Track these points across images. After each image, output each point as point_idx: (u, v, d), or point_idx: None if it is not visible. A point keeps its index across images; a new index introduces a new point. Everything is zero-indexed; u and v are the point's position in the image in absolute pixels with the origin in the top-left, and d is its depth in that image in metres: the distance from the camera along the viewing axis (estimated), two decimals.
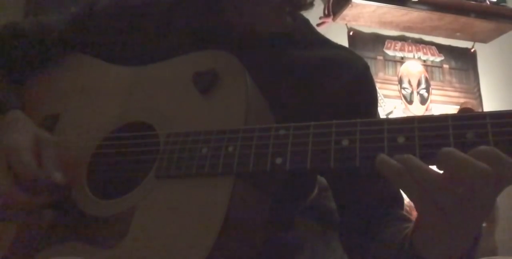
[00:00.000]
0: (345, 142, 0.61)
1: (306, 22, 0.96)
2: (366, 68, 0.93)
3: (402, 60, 3.17)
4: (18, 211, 0.71)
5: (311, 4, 0.93)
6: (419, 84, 3.16)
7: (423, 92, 3.15)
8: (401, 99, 3.09)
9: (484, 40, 3.29)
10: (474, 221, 0.55)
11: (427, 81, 3.18)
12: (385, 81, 3.08)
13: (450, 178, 0.51)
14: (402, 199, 0.88)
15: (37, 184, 0.70)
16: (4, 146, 0.72)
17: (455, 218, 0.53)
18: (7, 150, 0.71)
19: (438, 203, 0.52)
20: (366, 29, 3.14)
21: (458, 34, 3.20)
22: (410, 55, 3.20)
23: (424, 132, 0.57)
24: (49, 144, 0.74)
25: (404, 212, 0.86)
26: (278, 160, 0.63)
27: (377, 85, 2.96)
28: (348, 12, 2.91)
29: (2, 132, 0.75)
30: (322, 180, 0.95)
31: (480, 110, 3.06)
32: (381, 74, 3.08)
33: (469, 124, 0.56)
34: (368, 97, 0.92)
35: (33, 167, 0.70)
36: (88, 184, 0.76)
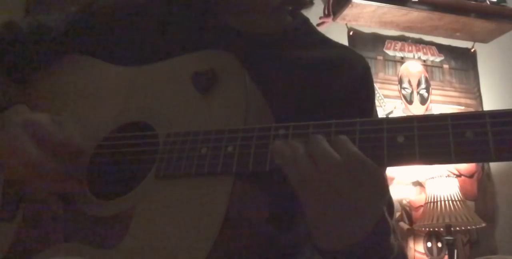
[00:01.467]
0: None
1: (306, 21, 0.96)
2: (367, 68, 0.93)
3: (402, 60, 3.17)
4: (48, 178, 0.71)
5: (311, 3, 0.93)
6: (419, 84, 3.16)
7: (423, 92, 3.15)
8: (401, 99, 3.09)
9: (484, 40, 3.29)
10: (346, 211, 0.59)
11: (427, 81, 3.18)
12: (385, 81, 3.08)
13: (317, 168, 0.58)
14: (393, 207, 0.88)
15: (64, 151, 0.72)
16: (24, 121, 0.73)
17: (327, 206, 0.59)
18: (29, 124, 0.72)
19: (313, 192, 0.59)
20: (366, 29, 3.15)
21: (458, 34, 3.20)
22: (410, 55, 3.21)
23: (424, 131, 0.57)
24: (64, 118, 0.76)
25: (393, 223, 0.86)
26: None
27: (377, 85, 2.98)
28: (348, 12, 2.91)
29: (15, 114, 0.77)
30: None
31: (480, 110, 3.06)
32: (381, 74, 3.08)
33: (468, 123, 0.56)
34: (367, 97, 0.92)
35: (58, 135, 0.72)
36: (87, 184, 0.76)
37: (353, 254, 0.63)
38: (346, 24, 3.07)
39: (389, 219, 0.65)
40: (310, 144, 0.59)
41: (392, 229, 0.68)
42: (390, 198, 0.89)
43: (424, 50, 3.24)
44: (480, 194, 2.99)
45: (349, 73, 0.89)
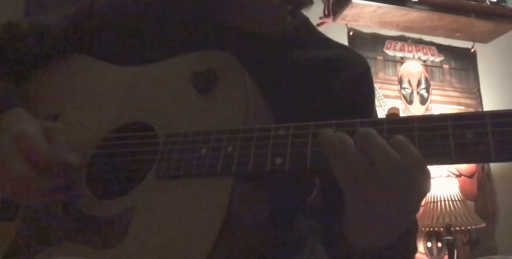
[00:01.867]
0: None
1: (306, 21, 0.96)
2: (367, 68, 0.93)
3: (402, 60, 3.17)
4: (34, 193, 0.71)
5: (310, 2, 0.92)
6: (419, 84, 3.16)
7: (423, 92, 3.15)
8: (401, 99, 3.09)
9: (484, 40, 3.29)
10: (392, 211, 0.58)
11: (427, 81, 3.18)
12: (385, 81, 3.08)
13: (372, 165, 0.55)
14: None
15: (51, 167, 0.71)
16: (14, 134, 0.72)
17: (374, 205, 0.57)
18: (18, 137, 0.72)
19: (362, 189, 0.57)
20: (366, 29, 3.15)
21: (458, 34, 3.20)
22: (410, 55, 3.21)
23: (424, 132, 0.57)
24: (58, 129, 0.75)
25: None
26: (278, 160, 0.63)
27: (377, 85, 2.97)
28: (348, 12, 2.91)
29: (8, 124, 0.76)
30: None
31: (480, 110, 3.06)
32: (381, 74, 3.08)
33: (468, 124, 0.56)
34: (367, 97, 0.92)
35: (47, 150, 0.71)
36: (87, 184, 0.76)
37: (385, 252, 0.63)
38: (346, 24, 3.07)
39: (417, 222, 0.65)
40: (364, 138, 0.56)
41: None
42: None
43: (424, 50, 3.24)
44: (480, 194, 2.99)
45: (349, 73, 0.89)
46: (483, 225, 2.63)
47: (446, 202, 2.58)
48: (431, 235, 2.83)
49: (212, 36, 0.87)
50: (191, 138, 0.69)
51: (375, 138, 0.56)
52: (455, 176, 2.89)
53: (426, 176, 0.56)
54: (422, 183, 0.56)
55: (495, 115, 0.55)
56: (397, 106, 3.04)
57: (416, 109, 3.08)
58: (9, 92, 0.85)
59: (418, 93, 3.14)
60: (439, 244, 2.82)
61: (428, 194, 2.66)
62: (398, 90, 3.10)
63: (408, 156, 0.55)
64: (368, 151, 0.56)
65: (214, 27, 0.88)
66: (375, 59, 3.10)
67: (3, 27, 0.93)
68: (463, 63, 3.28)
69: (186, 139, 0.69)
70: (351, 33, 3.09)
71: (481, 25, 3.11)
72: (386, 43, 3.17)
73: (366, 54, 2.97)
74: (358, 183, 0.57)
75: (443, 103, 3.14)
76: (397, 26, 3.12)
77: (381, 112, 2.93)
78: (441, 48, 3.27)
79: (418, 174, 0.55)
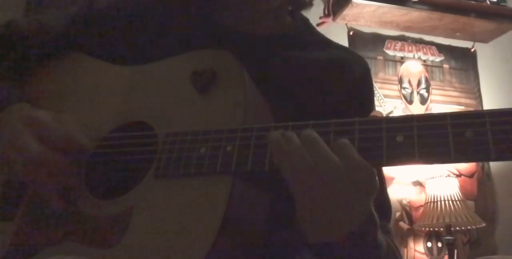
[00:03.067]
0: None
1: (306, 21, 0.96)
2: (366, 69, 0.93)
3: (402, 60, 3.18)
4: (50, 172, 0.72)
5: (310, 4, 0.92)
6: (419, 84, 3.16)
7: (423, 92, 3.15)
8: (401, 99, 3.09)
9: (484, 40, 3.29)
10: (336, 210, 0.60)
11: (427, 81, 3.18)
12: (385, 81, 3.08)
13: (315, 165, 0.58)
14: (389, 209, 0.88)
15: (66, 146, 0.73)
16: (26, 118, 0.74)
17: (319, 203, 0.60)
18: (31, 121, 0.74)
19: (306, 187, 0.60)
20: (366, 29, 3.15)
21: (458, 34, 3.20)
22: (410, 55, 3.21)
23: (423, 131, 0.57)
24: (66, 116, 0.77)
25: (387, 223, 0.85)
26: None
27: (377, 85, 2.98)
28: (348, 12, 2.91)
29: (16, 113, 0.78)
30: None
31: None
32: (381, 74, 3.08)
33: (468, 123, 0.56)
34: (367, 98, 0.92)
35: (60, 131, 0.73)
36: (86, 184, 0.76)
37: (338, 248, 0.63)
38: (346, 24, 3.07)
39: (375, 215, 0.65)
40: (307, 142, 0.59)
41: (379, 226, 0.68)
42: (387, 199, 0.89)
43: (424, 50, 3.24)
44: (480, 194, 2.99)
45: (348, 74, 0.88)
46: (483, 225, 2.63)
47: (446, 202, 2.58)
48: (431, 235, 2.83)
49: (212, 36, 0.87)
50: (190, 138, 0.69)
51: (316, 142, 0.59)
52: (455, 176, 2.89)
53: (369, 177, 0.59)
54: (364, 185, 0.59)
55: (494, 114, 0.55)
56: (397, 106, 3.04)
57: (416, 109, 3.08)
58: (10, 91, 0.85)
59: (418, 93, 3.14)
60: (439, 244, 2.82)
61: (428, 194, 2.67)
62: (398, 90, 3.10)
63: (348, 160, 0.58)
64: (311, 154, 0.59)
65: (214, 27, 0.88)
66: (375, 59, 3.10)
67: (3, 26, 0.93)
68: (463, 63, 3.28)
69: (185, 139, 0.69)
70: (351, 33, 3.09)
71: (481, 25, 3.11)
72: (386, 43, 3.17)
73: (366, 54, 2.97)
74: (303, 181, 0.60)
75: (443, 103, 3.14)
76: (397, 26, 3.12)
77: (382, 112, 2.93)
78: (441, 48, 3.27)
79: (358, 175, 0.58)
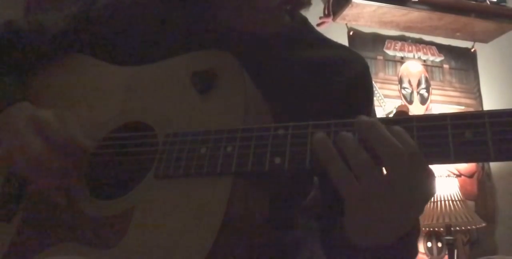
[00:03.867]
0: None
1: (305, 21, 0.96)
2: (366, 68, 0.93)
3: (402, 60, 3.17)
4: (50, 172, 0.72)
5: (309, 3, 0.92)
6: (419, 84, 3.16)
7: (423, 92, 3.15)
8: (401, 99, 3.09)
9: (484, 40, 3.29)
10: (393, 210, 0.57)
11: (427, 81, 3.18)
12: (385, 81, 3.08)
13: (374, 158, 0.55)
14: None
15: (67, 146, 0.72)
16: (28, 117, 0.74)
17: (376, 203, 0.57)
18: (33, 120, 0.73)
19: (364, 186, 0.56)
20: (366, 29, 3.14)
21: (458, 34, 3.20)
22: (410, 55, 3.21)
23: (423, 132, 0.57)
24: (67, 115, 0.76)
25: None
26: (277, 160, 0.63)
27: (377, 85, 2.97)
28: (348, 12, 2.91)
29: (18, 111, 0.78)
30: None
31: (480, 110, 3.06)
32: (381, 74, 3.08)
33: (468, 123, 0.56)
34: (366, 97, 0.92)
35: (62, 131, 0.72)
36: (87, 184, 0.76)
37: (384, 253, 0.62)
38: (346, 24, 3.07)
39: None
40: (368, 129, 0.56)
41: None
42: None
43: (424, 50, 3.24)
44: (480, 194, 2.99)
45: (348, 73, 0.89)
46: (483, 225, 2.63)
47: (446, 202, 2.58)
48: (431, 235, 2.83)
49: (211, 36, 0.87)
50: (191, 138, 0.69)
51: (381, 129, 0.56)
52: (455, 176, 2.89)
53: (429, 172, 0.56)
54: (425, 180, 0.56)
55: (494, 114, 0.55)
56: (397, 106, 3.04)
57: (416, 109, 3.08)
58: (10, 92, 0.85)
59: (418, 93, 3.14)
60: (439, 244, 2.82)
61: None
62: (398, 90, 3.10)
63: (408, 145, 0.55)
64: (374, 142, 0.56)
65: (213, 27, 0.88)
66: (375, 59, 3.09)
67: (3, 26, 0.93)
68: (463, 63, 3.28)
69: (186, 139, 0.69)
70: (351, 33, 3.09)
71: (481, 25, 3.11)
72: (386, 43, 3.17)
73: (366, 54, 2.97)
74: (360, 180, 0.56)
75: (443, 103, 3.14)
76: (397, 26, 3.12)
77: (381, 112, 2.93)
78: (441, 48, 3.27)
79: (421, 166, 0.55)
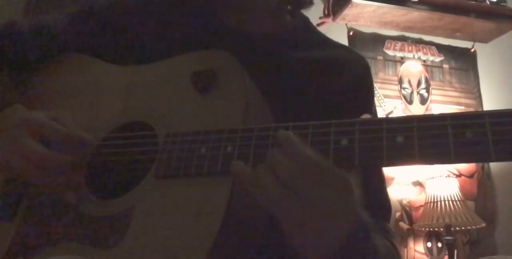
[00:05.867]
0: (344, 142, 0.60)
1: (306, 20, 0.96)
2: (366, 68, 0.93)
3: (402, 60, 3.17)
4: (51, 170, 0.72)
5: (310, 3, 0.92)
6: (419, 84, 3.16)
7: (423, 92, 3.15)
8: (401, 99, 3.09)
9: (484, 40, 3.29)
10: (314, 218, 0.57)
11: (427, 81, 3.18)
12: (385, 81, 3.08)
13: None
14: (389, 209, 0.88)
15: (67, 142, 0.72)
16: (20, 119, 0.73)
17: (296, 218, 0.57)
18: (26, 121, 0.73)
19: (280, 207, 0.57)
20: (366, 29, 3.15)
21: (458, 34, 3.20)
22: (410, 55, 3.21)
23: (423, 132, 0.57)
24: (64, 115, 0.76)
25: (387, 224, 0.85)
26: None
27: (377, 85, 2.97)
28: (348, 12, 2.91)
29: (12, 114, 0.77)
30: None
31: (480, 110, 3.06)
32: (381, 74, 3.08)
33: (468, 124, 0.56)
34: (367, 97, 0.92)
35: (57, 127, 0.72)
36: (87, 184, 0.76)
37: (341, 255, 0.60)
38: (346, 24, 3.07)
39: (366, 220, 0.63)
40: (269, 161, 0.59)
41: (374, 229, 0.65)
42: (387, 199, 0.89)
43: (424, 50, 3.24)
44: (480, 194, 2.99)
45: (349, 73, 0.89)
46: (483, 225, 2.63)
47: (446, 202, 2.58)
48: (431, 235, 2.83)
49: (212, 36, 0.87)
50: (191, 138, 0.69)
51: (276, 157, 0.58)
52: (455, 176, 2.89)
53: (328, 173, 0.57)
54: (328, 182, 0.57)
55: (494, 114, 0.55)
56: (397, 106, 3.04)
57: (416, 109, 3.08)
58: (8, 92, 0.85)
59: (418, 93, 3.14)
60: (439, 244, 2.82)
61: (428, 194, 2.67)
62: (398, 90, 3.10)
63: (299, 159, 0.57)
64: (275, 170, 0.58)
65: (213, 27, 0.88)
66: (375, 59, 3.09)
67: (3, 27, 0.93)
68: (463, 63, 3.28)
69: (186, 139, 0.69)
70: (351, 33, 3.09)
71: (481, 25, 3.10)
72: (386, 43, 3.17)
73: (366, 54, 2.97)
74: (275, 203, 0.58)
75: (443, 103, 3.14)
76: (397, 26, 3.12)
77: (381, 112, 2.93)
78: (441, 48, 3.26)
79: (316, 173, 0.57)
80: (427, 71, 3.20)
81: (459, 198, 2.60)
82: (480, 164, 3.01)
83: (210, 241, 0.60)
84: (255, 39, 0.88)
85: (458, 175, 2.94)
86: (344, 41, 3.01)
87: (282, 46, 0.89)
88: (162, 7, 0.91)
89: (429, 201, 2.64)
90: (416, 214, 2.81)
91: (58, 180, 0.73)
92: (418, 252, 2.79)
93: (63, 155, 0.72)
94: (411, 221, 2.81)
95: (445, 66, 3.25)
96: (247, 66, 0.73)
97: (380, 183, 0.90)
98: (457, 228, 2.62)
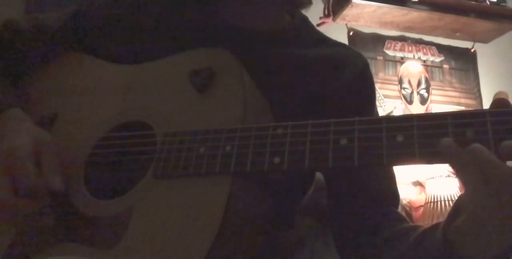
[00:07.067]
0: (343, 141, 0.60)
1: (305, 20, 0.96)
2: (366, 65, 0.93)
3: (402, 60, 3.17)
4: (17, 214, 0.70)
5: (309, 2, 0.92)
6: (419, 84, 3.15)
7: (423, 92, 3.14)
8: (401, 99, 3.09)
9: (484, 40, 3.29)
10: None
11: (427, 81, 3.17)
12: (385, 81, 3.08)
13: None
14: (398, 198, 0.88)
15: (36, 190, 0.69)
16: (4, 151, 0.70)
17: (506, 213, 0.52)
18: (7, 156, 0.69)
19: (502, 200, 0.52)
20: (366, 29, 3.14)
21: (458, 34, 3.20)
22: (410, 55, 3.20)
23: (423, 131, 0.57)
24: (49, 148, 0.72)
25: (400, 212, 0.85)
26: (276, 160, 0.62)
27: (377, 85, 2.97)
28: (348, 12, 2.91)
29: (2, 131, 0.74)
30: (320, 178, 0.94)
31: None
32: (381, 74, 3.08)
33: (469, 122, 0.55)
34: (367, 95, 0.92)
35: (32, 176, 0.68)
36: (85, 184, 0.75)
37: None
38: (346, 24, 3.06)
39: None
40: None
41: None
42: (397, 188, 0.89)
43: (424, 50, 3.24)
44: None
45: (348, 71, 0.89)
46: None
47: (446, 202, 2.58)
48: None
49: (211, 33, 0.87)
50: (189, 138, 0.69)
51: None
52: (455, 176, 2.88)
53: None
54: None
55: (495, 113, 0.55)
56: (397, 106, 3.04)
57: (416, 109, 3.07)
58: (7, 92, 0.85)
59: (418, 93, 3.13)
60: None
61: (428, 194, 2.66)
62: (398, 90, 3.10)
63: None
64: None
65: (213, 25, 0.88)
66: (375, 59, 3.09)
67: (2, 26, 0.93)
68: (463, 63, 3.28)
69: (184, 138, 0.69)
70: (351, 33, 3.09)
71: (481, 25, 3.10)
72: (386, 43, 3.17)
73: (366, 54, 2.95)
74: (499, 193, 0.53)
75: (443, 103, 3.14)
76: (397, 26, 3.11)
77: (381, 112, 2.93)
78: (441, 48, 3.26)
79: None
80: (427, 71, 3.20)
81: None
82: None
83: (209, 241, 0.60)
84: (254, 36, 0.87)
85: None
86: (344, 41, 2.99)
87: (282, 44, 0.88)
88: (161, 4, 0.91)
89: (429, 201, 2.64)
90: (416, 214, 2.81)
91: (24, 224, 0.71)
92: None
93: (27, 202, 0.68)
94: (411, 221, 2.80)
95: (445, 66, 3.25)
96: (246, 64, 0.73)
97: (392, 171, 0.90)
98: None
